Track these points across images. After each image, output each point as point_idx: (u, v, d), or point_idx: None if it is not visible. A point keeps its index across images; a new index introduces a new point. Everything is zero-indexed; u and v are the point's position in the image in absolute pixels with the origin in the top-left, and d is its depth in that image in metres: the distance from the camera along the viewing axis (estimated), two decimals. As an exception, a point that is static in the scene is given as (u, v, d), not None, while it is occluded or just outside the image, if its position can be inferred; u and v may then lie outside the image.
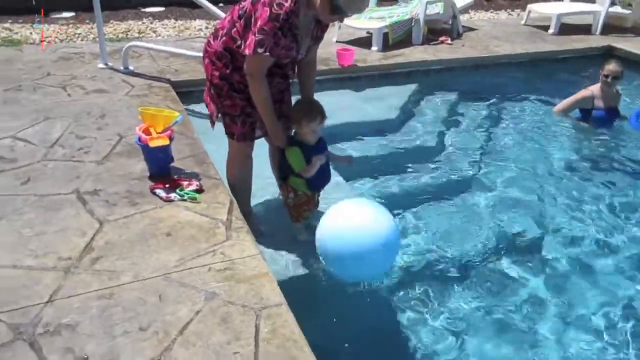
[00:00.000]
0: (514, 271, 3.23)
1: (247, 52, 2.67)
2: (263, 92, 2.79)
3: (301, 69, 3.07)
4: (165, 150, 3.15)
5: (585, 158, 4.62)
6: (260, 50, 2.62)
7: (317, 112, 2.92)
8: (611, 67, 4.88)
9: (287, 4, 2.58)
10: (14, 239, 2.62)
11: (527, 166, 4.41)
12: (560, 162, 4.50)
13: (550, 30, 7.53)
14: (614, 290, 3.09)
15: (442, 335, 2.76)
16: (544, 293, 3.07)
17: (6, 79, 4.73)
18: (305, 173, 3.00)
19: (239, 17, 2.75)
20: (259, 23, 2.61)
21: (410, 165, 4.37)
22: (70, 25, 6.92)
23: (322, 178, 3.13)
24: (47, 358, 1.98)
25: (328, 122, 3.02)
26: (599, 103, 4.96)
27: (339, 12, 2.64)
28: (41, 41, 5.97)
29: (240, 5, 2.78)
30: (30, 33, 6.41)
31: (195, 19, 7.64)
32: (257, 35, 2.61)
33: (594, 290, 3.10)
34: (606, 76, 4.86)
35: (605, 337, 2.78)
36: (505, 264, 3.29)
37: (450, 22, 7.24)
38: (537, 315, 2.92)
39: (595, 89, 4.99)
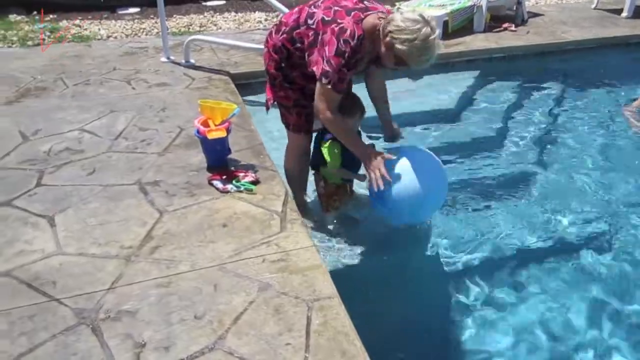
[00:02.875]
0: (578, 268, 3.12)
1: (316, 73, 2.62)
2: (336, 128, 2.75)
3: (371, 80, 3.07)
4: (222, 142, 3.21)
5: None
6: (324, 81, 2.59)
7: (358, 108, 2.88)
8: None
9: (353, 43, 2.51)
10: (80, 227, 2.74)
11: (592, 159, 4.23)
12: (627, 157, 4.28)
13: (624, 14, 7.14)
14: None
15: (496, 331, 2.69)
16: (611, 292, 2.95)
17: (76, 74, 4.94)
18: (337, 172, 3.01)
19: (306, 24, 2.68)
20: (326, 52, 2.56)
21: (468, 154, 4.28)
22: (136, 21, 7.15)
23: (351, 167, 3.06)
24: (108, 343, 2.06)
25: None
26: None
27: (404, 65, 2.58)
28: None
29: (311, 11, 2.69)
30: (99, 29, 6.66)
31: (255, 11, 7.72)
32: (324, 64, 2.57)
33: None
34: None
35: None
36: (568, 258, 3.18)
37: (514, 8, 6.99)
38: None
39: None
